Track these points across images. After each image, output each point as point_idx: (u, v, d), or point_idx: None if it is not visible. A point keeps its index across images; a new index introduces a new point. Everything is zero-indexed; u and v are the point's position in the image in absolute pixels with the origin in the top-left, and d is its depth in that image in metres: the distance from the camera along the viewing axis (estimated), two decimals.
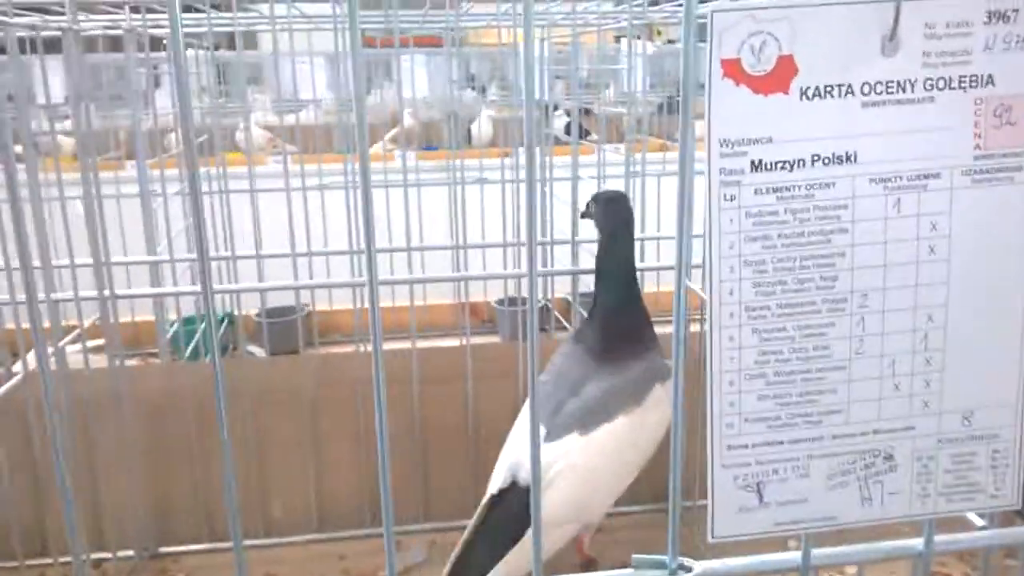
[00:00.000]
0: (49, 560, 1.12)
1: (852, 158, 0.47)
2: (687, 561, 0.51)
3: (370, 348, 1.37)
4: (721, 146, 0.45)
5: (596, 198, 1.18)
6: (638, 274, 1.17)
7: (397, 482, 1.35)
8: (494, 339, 2.34)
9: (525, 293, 1.85)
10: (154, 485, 1.30)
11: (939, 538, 0.54)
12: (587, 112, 3.85)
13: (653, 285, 1.87)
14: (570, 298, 2.28)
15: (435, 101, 4.65)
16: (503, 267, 1.72)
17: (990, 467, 0.51)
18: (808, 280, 0.48)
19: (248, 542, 1.32)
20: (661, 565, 0.51)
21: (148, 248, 1.48)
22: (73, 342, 1.20)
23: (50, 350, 1.20)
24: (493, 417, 1.35)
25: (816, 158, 0.46)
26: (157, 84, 2.32)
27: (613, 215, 1.15)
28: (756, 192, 0.46)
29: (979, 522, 0.57)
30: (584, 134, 2.89)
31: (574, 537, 1.12)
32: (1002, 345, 0.50)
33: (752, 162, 0.46)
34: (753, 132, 0.45)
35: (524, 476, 1.05)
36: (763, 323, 0.48)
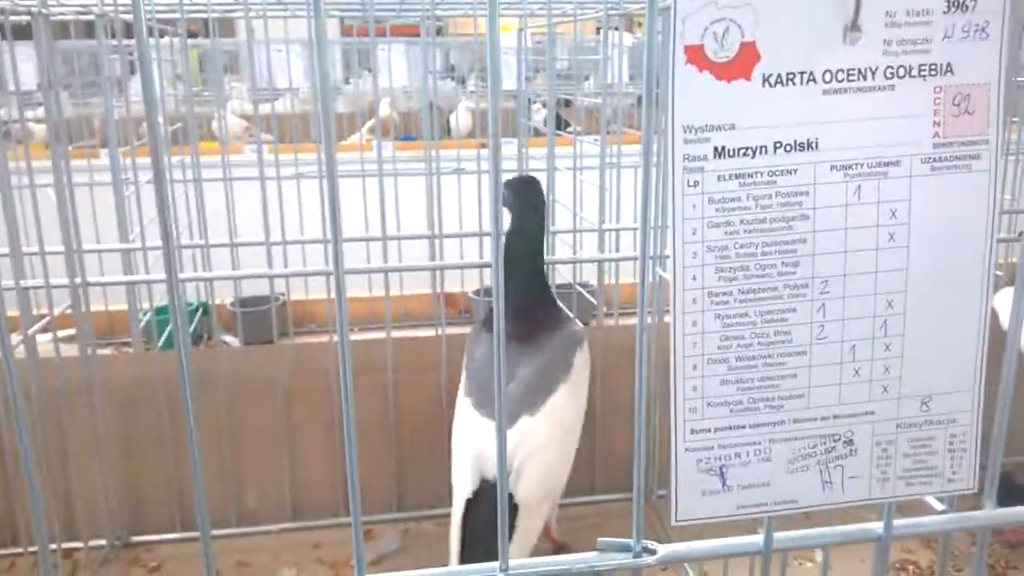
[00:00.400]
0: (20, 549, 1.11)
1: (813, 145, 0.47)
2: (651, 544, 0.51)
3: (351, 338, 1.36)
4: (684, 132, 0.46)
5: (508, 183, 1.20)
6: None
7: (371, 471, 1.36)
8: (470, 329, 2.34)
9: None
10: (126, 474, 1.29)
11: (898, 522, 0.55)
12: (567, 104, 3.85)
13: (630, 276, 1.88)
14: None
15: (414, 91, 4.63)
16: (479, 257, 1.71)
17: (947, 451, 0.52)
18: (770, 266, 0.48)
19: (222, 531, 1.32)
20: (626, 548, 0.52)
21: (121, 236, 1.46)
22: (44, 330, 1.19)
23: (19, 338, 1.19)
24: None
25: (778, 145, 0.47)
26: (132, 71, 2.29)
27: (521, 199, 1.17)
28: (719, 178, 0.46)
29: (939, 507, 0.58)
30: (563, 126, 2.88)
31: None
32: (960, 331, 0.51)
33: (715, 148, 0.46)
34: (716, 118, 0.46)
35: (491, 471, 1.05)
36: (725, 308, 0.48)
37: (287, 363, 1.34)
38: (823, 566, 0.73)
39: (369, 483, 1.37)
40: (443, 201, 1.75)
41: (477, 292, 2.36)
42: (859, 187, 0.48)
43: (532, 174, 1.28)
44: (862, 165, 0.48)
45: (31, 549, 1.11)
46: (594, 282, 1.94)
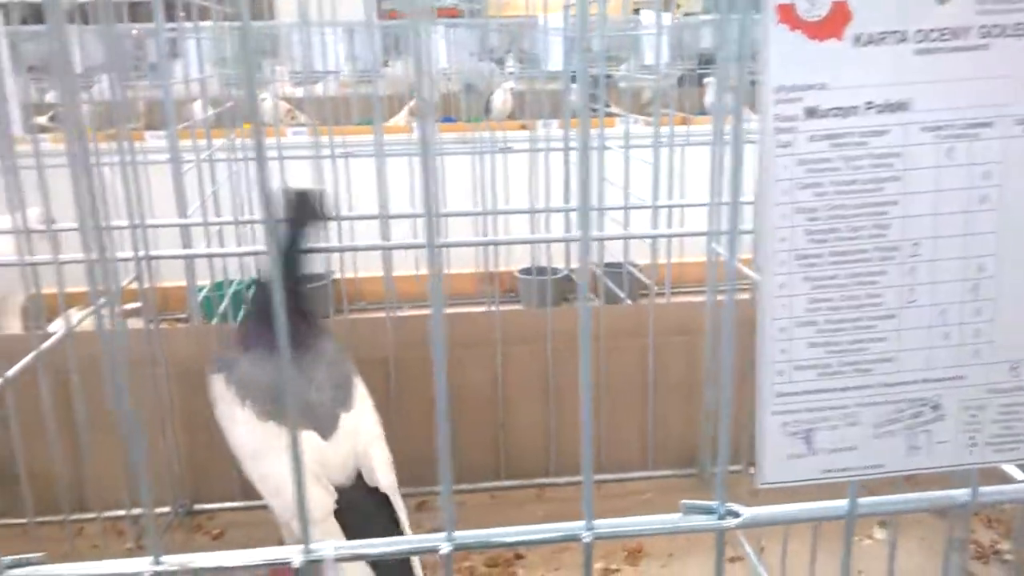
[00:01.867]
0: (91, 515, 1.15)
1: (905, 106, 0.47)
2: (735, 507, 0.52)
3: (399, 314, 1.37)
4: (776, 92, 0.45)
5: (286, 192, 1.13)
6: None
7: (426, 445, 1.37)
8: (517, 308, 2.35)
9: (548, 263, 1.85)
10: (189, 445, 1.33)
11: (983, 489, 0.54)
12: (608, 81, 3.81)
13: (677, 254, 1.88)
14: (592, 266, 2.29)
15: (453, 73, 4.62)
16: (531, 234, 1.72)
17: None
18: (860, 228, 0.48)
19: None
20: (710, 511, 0.52)
21: (179, 213, 1.49)
22: (111, 304, 1.22)
23: (81, 313, 1.23)
24: (519, 382, 1.36)
25: (870, 105, 0.46)
26: (175, 54, 2.32)
27: (291, 210, 1.10)
28: (811, 139, 0.46)
29: (1019, 475, 0.58)
30: (604, 105, 2.87)
31: None
32: None
33: (807, 108, 0.46)
34: (808, 78, 0.46)
35: (343, 474, 1.02)
36: (815, 271, 0.48)
37: (343, 338, 1.35)
38: (889, 544, 0.73)
39: (424, 457, 1.39)
40: (491, 180, 1.76)
41: (523, 271, 2.37)
42: (951, 149, 0.48)
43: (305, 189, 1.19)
44: (954, 126, 0.47)
45: (106, 514, 1.14)
46: (641, 261, 1.94)
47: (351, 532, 0.97)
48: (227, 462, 1.35)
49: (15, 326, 2.06)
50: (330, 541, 0.51)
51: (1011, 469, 0.58)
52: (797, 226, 0.47)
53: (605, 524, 0.51)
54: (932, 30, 0.46)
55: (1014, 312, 0.50)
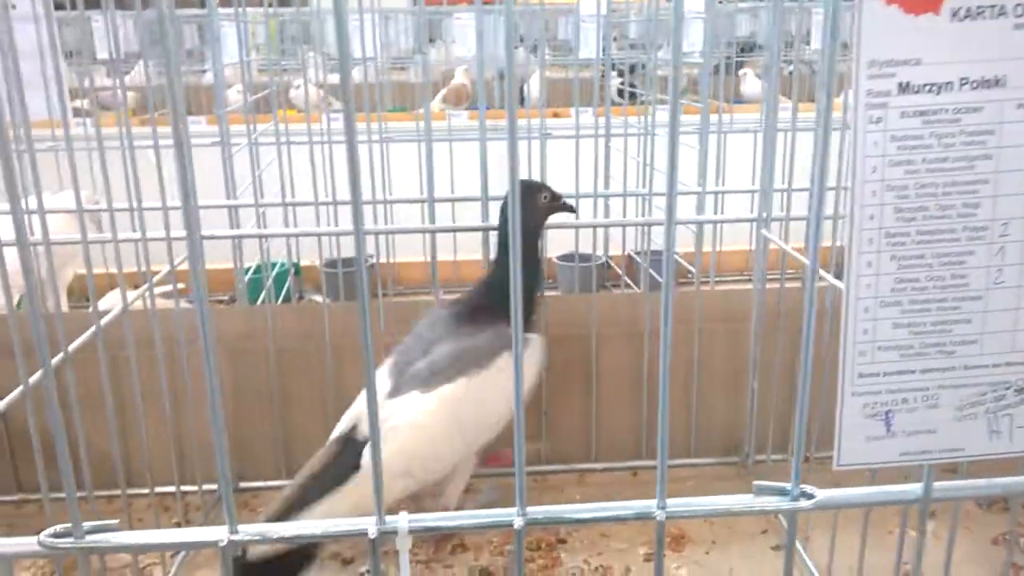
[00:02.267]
0: (144, 490, 1.17)
1: (1001, 82, 0.46)
2: (809, 488, 0.51)
3: (445, 296, 1.36)
4: (868, 67, 0.45)
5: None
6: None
7: None
8: (554, 294, 2.35)
9: (586, 249, 1.85)
10: (236, 424, 1.34)
11: None
12: (633, 71, 3.78)
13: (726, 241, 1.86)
14: (632, 253, 2.27)
15: (486, 60, 4.61)
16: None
17: None
18: (950, 207, 0.47)
19: None
20: (783, 492, 0.51)
21: (228, 194, 1.50)
22: (163, 283, 1.23)
23: (134, 293, 1.24)
24: (562, 368, 1.36)
25: (964, 81, 0.45)
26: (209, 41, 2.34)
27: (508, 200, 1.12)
28: (902, 115, 0.45)
29: None
30: (634, 96, 2.83)
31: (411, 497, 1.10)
32: None
33: (899, 84, 0.45)
34: (902, 53, 0.45)
35: (361, 428, 1.05)
36: (902, 250, 0.47)
37: (387, 320, 1.36)
38: (926, 535, 0.72)
39: None
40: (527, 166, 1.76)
41: (561, 257, 2.36)
42: None
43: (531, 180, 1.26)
44: None
45: (158, 490, 1.16)
46: (682, 249, 1.92)
47: (319, 466, 1.03)
48: (272, 441, 1.37)
49: (63, 304, 2.10)
50: (404, 514, 0.52)
51: None
52: (886, 204, 0.47)
53: (678, 503, 0.51)
54: None
55: None
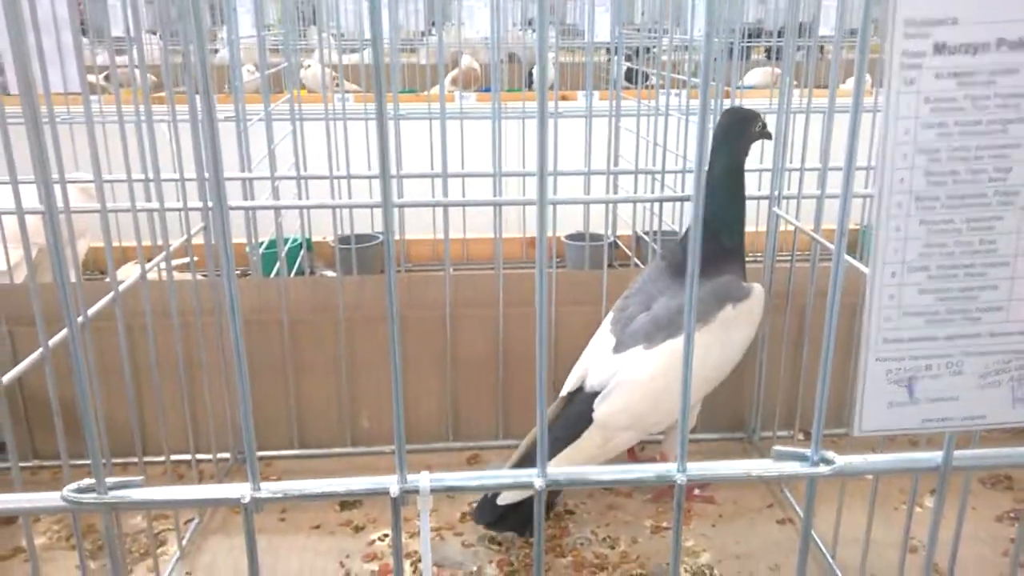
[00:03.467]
0: (160, 458, 1.17)
1: None
2: (829, 454, 0.51)
3: (455, 272, 1.38)
4: (905, 26, 0.44)
5: (724, 112, 1.18)
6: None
7: (478, 400, 1.39)
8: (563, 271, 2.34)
9: (595, 228, 1.84)
10: (250, 394, 1.35)
11: None
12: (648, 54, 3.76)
13: None
14: (641, 233, 2.27)
15: (495, 43, 4.59)
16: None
17: None
18: (981, 171, 0.47)
19: (337, 450, 1.37)
20: (803, 457, 0.52)
21: (242, 168, 1.50)
22: (180, 255, 1.23)
23: (152, 263, 1.24)
24: (573, 336, 1.36)
25: (1001, 42, 0.45)
26: (221, 20, 2.33)
27: (725, 125, 1.14)
28: (937, 76, 0.45)
29: None
30: (644, 78, 2.82)
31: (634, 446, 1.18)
32: None
33: (935, 44, 0.45)
34: (938, 12, 0.44)
35: (590, 382, 1.11)
36: (931, 214, 0.47)
37: (400, 294, 1.36)
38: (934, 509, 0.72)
39: (476, 412, 1.40)
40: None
41: (570, 236, 2.36)
42: None
43: (745, 107, 1.24)
44: None
45: (173, 458, 1.17)
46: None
47: (555, 419, 1.11)
48: (285, 411, 1.38)
49: (73, 275, 2.10)
50: (426, 473, 0.52)
51: None
52: (917, 167, 0.46)
53: (698, 466, 0.51)
54: None
55: None
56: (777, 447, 0.52)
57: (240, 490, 0.51)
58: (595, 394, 1.09)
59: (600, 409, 1.08)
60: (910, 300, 0.48)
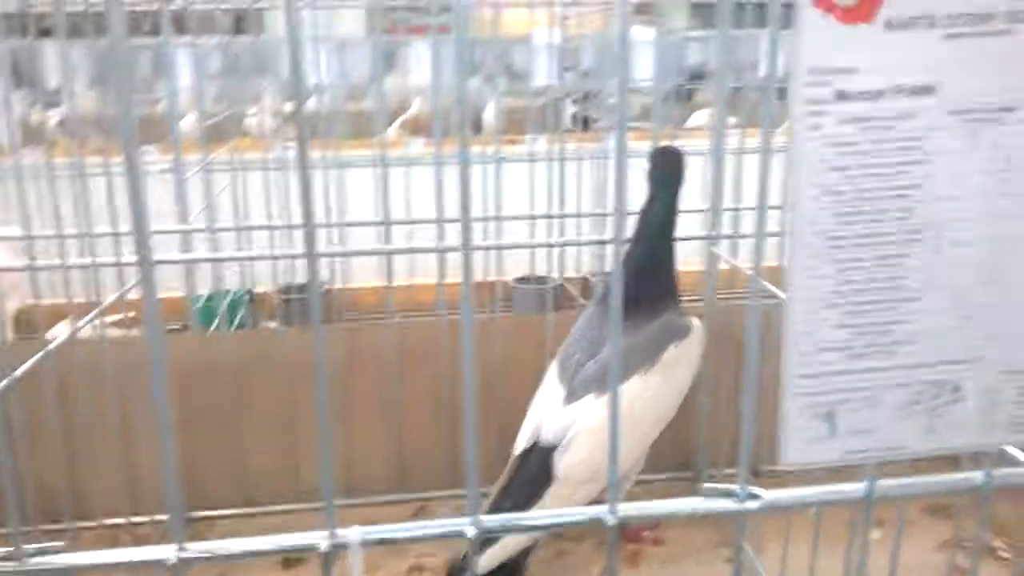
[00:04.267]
0: (91, 523, 1.13)
1: (932, 90, 0.48)
2: (756, 490, 0.52)
3: (400, 320, 1.37)
4: (807, 75, 0.46)
5: (651, 153, 1.19)
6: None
7: (427, 449, 1.37)
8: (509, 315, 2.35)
9: (542, 271, 1.86)
10: (189, 452, 1.32)
11: (999, 471, 0.55)
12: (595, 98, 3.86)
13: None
14: (588, 276, 2.29)
15: (442, 89, 4.64)
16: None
17: None
18: (886, 211, 0.49)
19: (279, 507, 1.34)
20: (730, 493, 0.52)
21: (180, 220, 1.49)
22: (114, 311, 1.21)
23: (86, 319, 1.22)
24: (521, 380, 1.36)
25: (898, 89, 0.47)
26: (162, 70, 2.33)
27: (659, 167, 1.16)
28: (839, 122, 0.47)
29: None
30: (588, 123, 2.88)
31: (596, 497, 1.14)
32: None
33: (836, 92, 0.47)
34: (839, 62, 0.46)
35: (544, 436, 1.09)
36: (841, 252, 0.49)
37: (342, 344, 1.35)
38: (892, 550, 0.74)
39: (425, 460, 1.38)
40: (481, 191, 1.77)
41: (518, 280, 2.37)
42: (975, 132, 0.48)
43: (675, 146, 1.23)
44: (979, 110, 0.48)
45: (108, 521, 1.13)
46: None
47: (510, 478, 1.08)
48: (227, 468, 1.34)
49: (7, 335, 2.04)
50: (357, 528, 0.51)
51: (1017, 453, 0.58)
52: (825, 208, 0.48)
53: (629, 507, 0.52)
54: (960, 15, 0.47)
55: None
56: (707, 484, 0.53)
57: (166, 552, 0.50)
58: (551, 448, 1.07)
59: (561, 463, 1.06)
60: (825, 336, 0.49)
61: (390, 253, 1.29)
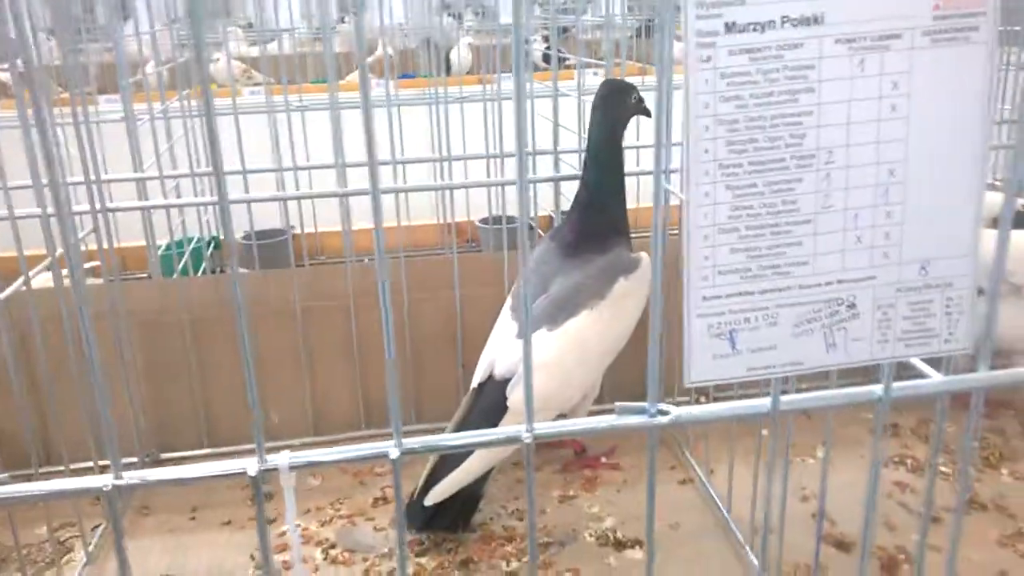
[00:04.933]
0: (60, 467, 1.16)
1: (819, 19, 0.49)
2: (664, 406, 0.55)
3: (359, 262, 1.38)
4: (697, 8, 0.48)
5: (601, 84, 1.20)
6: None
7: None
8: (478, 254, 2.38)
9: (508, 211, 1.88)
10: (154, 396, 1.34)
11: (897, 384, 0.58)
12: (564, 35, 3.82)
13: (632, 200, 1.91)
14: (554, 214, 2.31)
15: (411, 29, 4.57)
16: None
17: (945, 314, 0.55)
18: (778, 138, 0.51)
19: (247, 446, 1.37)
20: (641, 411, 0.55)
21: (135, 168, 1.48)
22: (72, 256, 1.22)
23: (38, 267, 1.22)
24: (479, 322, 1.39)
25: (785, 19, 0.49)
26: (126, 17, 2.28)
27: (601, 96, 1.17)
28: (730, 53, 0.49)
29: (935, 375, 0.62)
30: (561, 59, 2.87)
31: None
32: (958, 199, 0.54)
33: (726, 23, 0.48)
34: None
35: (499, 370, 1.12)
36: (735, 179, 0.51)
37: (304, 287, 1.37)
38: (823, 461, 0.78)
39: (387, 398, 1.42)
40: (449, 130, 1.77)
41: (484, 220, 2.38)
42: (862, 60, 0.50)
43: (622, 80, 1.24)
44: (865, 39, 0.50)
45: (75, 466, 1.16)
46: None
47: (467, 410, 1.12)
48: (192, 411, 1.37)
49: None
50: (285, 452, 0.54)
51: (927, 369, 0.62)
52: (719, 137, 0.50)
53: (545, 426, 0.55)
54: None
55: (922, 215, 0.53)
56: (619, 403, 0.56)
57: (102, 480, 0.53)
58: (506, 381, 1.11)
59: (513, 395, 1.09)
60: (723, 259, 0.52)
61: (344, 195, 1.30)
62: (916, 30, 0.50)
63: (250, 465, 0.52)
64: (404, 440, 0.53)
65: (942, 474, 1.21)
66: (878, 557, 1.03)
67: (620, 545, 1.09)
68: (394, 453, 0.53)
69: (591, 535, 1.12)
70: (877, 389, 0.58)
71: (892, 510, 1.13)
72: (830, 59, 0.50)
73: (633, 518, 1.15)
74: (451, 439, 0.56)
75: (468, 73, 4.51)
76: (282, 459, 0.52)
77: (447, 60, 4.68)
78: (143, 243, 1.56)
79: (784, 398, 0.57)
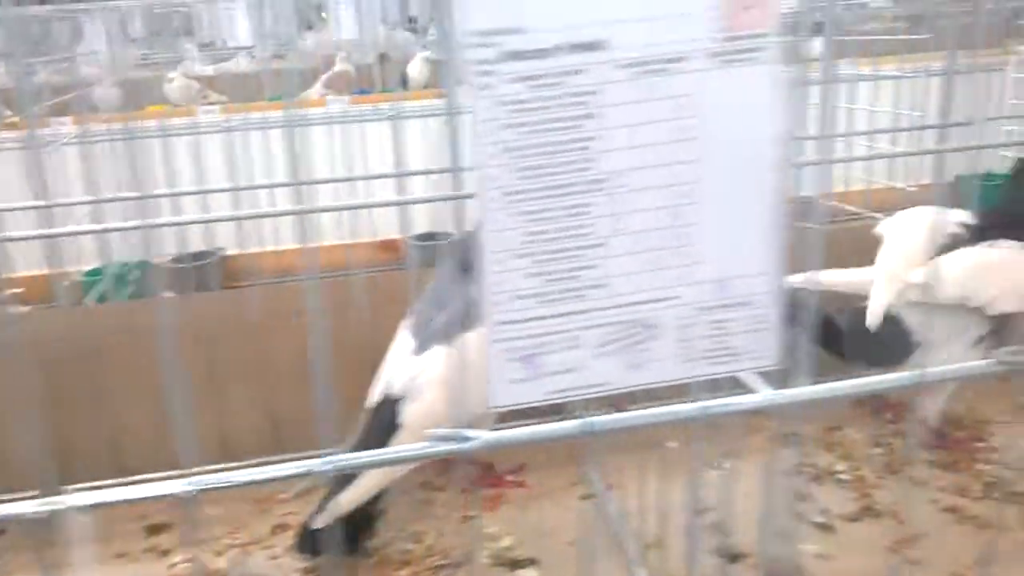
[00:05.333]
0: None
1: (602, 45, 0.50)
2: (469, 432, 0.55)
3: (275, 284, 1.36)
4: (473, 37, 0.48)
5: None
6: None
7: (306, 411, 1.39)
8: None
9: (443, 228, 1.87)
10: (59, 428, 1.32)
11: (714, 402, 0.59)
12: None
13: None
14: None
15: (365, 44, 4.57)
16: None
17: (746, 332, 0.56)
18: (568, 163, 0.51)
19: (155, 475, 1.36)
20: (452, 437, 0.55)
21: (36, 196, 1.46)
22: None
23: None
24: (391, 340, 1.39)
25: (567, 46, 0.50)
26: (82, 35, 2.27)
27: None
28: (510, 81, 0.49)
29: (763, 388, 0.62)
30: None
31: None
32: (754, 218, 0.54)
33: (504, 52, 0.49)
34: (506, 22, 0.48)
35: (393, 389, 1.12)
36: (527, 205, 0.51)
37: (219, 310, 1.36)
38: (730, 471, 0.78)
39: (304, 421, 1.41)
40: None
41: (417, 237, 2.38)
42: (649, 84, 0.51)
43: None
44: (649, 62, 0.51)
45: None
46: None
47: (364, 430, 1.12)
48: (98, 441, 1.35)
49: None
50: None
51: (756, 382, 0.62)
52: (504, 164, 0.50)
53: (344, 458, 0.55)
54: None
55: (719, 235, 0.54)
56: (433, 430, 0.56)
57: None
58: (400, 399, 1.11)
59: (406, 412, 1.09)
60: (518, 284, 0.52)
61: (273, 216, 1.29)
62: (702, 53, 0.51)
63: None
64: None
65: (840, 482, 1.22)
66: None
67: (515, 565, 1.09)
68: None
69: (488, 555, 1.11)
70: (691, 408, 0.58)
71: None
72: (614, 84, 0.51)
73: (532, 535, 1.15)
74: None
75: (427, 88, 4.51)
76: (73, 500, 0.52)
77: (403, 76, 4.69)
78: (56, 270, 1.55)
79: (597, 419, 0.57)
